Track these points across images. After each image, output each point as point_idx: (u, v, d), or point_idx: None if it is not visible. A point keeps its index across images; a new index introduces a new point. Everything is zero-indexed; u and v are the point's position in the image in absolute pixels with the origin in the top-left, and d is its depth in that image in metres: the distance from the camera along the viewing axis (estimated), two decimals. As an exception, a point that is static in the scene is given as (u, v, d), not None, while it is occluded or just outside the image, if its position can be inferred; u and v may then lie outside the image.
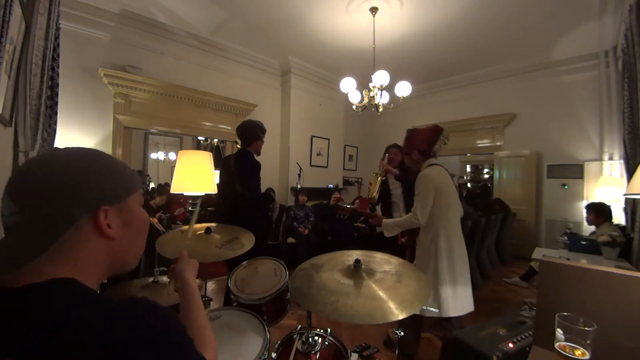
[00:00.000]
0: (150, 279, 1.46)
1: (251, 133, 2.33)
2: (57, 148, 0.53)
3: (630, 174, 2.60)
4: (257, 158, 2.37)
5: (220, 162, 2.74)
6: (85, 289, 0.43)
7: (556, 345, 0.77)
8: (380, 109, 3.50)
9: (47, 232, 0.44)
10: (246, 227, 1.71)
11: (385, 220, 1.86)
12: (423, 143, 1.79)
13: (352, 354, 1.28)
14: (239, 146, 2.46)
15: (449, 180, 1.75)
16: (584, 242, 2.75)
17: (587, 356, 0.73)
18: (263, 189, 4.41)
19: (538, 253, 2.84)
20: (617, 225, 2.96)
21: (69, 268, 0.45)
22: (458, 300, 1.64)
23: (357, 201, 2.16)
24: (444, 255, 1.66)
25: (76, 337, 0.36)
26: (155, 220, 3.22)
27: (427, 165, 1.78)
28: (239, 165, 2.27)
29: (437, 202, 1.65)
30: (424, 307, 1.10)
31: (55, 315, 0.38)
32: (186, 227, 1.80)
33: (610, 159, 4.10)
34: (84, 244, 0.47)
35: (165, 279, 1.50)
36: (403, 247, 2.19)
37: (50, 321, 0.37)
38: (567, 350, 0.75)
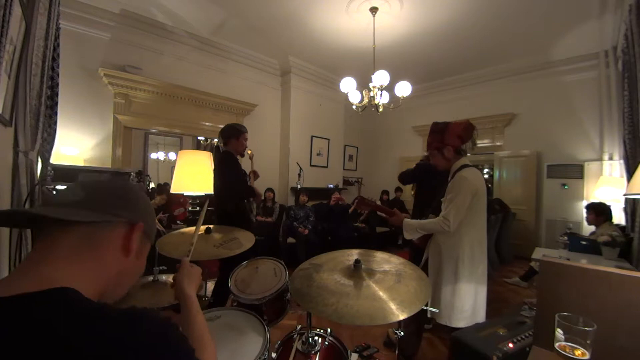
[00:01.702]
0: (150, 278, 1.46)
1: (226, 133, 2.45)
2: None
3: (630, 174, 2.60)
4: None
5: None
6: (85, 299, 0.44)
7: (556, 345, 0.77)
8: (380, 109, 3.50)
9: (99, 212, 0.51)
10: (224, 223, 1.82)
11: (407, 221, 1.70)
12: (457, 139, 1.61)
13: (352, 354, 1.28)
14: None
15: (484, 186, 1.61)
16: (584, 242, 2.75)
17: (587, 356, 0.73)
18: (262, 189, 4.40)
19: (538, 253, 2.84)
20: (617, 225, 2.96)
21: (82, 269, 0.48)
22: (474, 310, 1.57)
23: (356, 201, 2.08)
24: (466, 265, 1.54)
25: (73, 349, 0.36)
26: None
27: (460, 165, 1.61)
28: (217, 165, 2.44)
29: (469, 208, 1.53)
30: (425, 307, 1.06)
31: (56, 324, 0.38)
32: (186, 229, 1.80)
33: (610, 159, 4.10)
34: (107, 246, 0.52)
35: (164, 277, 1.50)
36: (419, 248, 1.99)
37: (50, 330, 0.37)
38: (567, 350, 0.75)
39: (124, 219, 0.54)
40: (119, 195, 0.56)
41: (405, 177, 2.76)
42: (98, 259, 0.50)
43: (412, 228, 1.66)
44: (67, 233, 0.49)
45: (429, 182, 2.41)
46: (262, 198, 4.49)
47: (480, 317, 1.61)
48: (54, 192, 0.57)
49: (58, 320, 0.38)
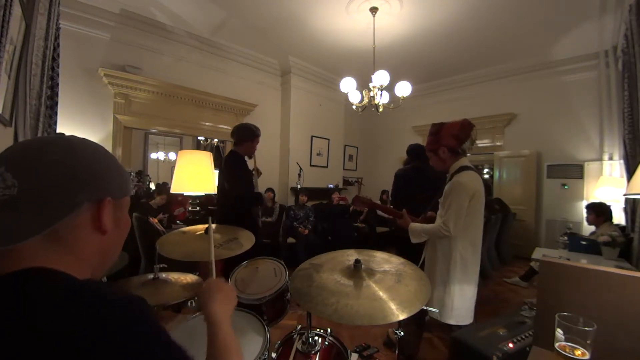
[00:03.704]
0: (150, 276, 1.46)
1: (241, 134, 2.40)
2: (65, 134, 0.50)
3: (630, 174, 2.60)
4: (260, 160, 2.42)
5: (219, 162, 2.77)
6: (67, 278, 0.40)
7: (556, 345, 0.77)
8: (380, 109, 3.50)
9: (50, 213, 0.41)
10: (231, 224, 1.80)
11: (413, 225, 1.70)
12: (452, 139, 1.58)
13: (352, 354, 1.28)
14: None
15: (482, 187, 1.59)
16: (584, 242, 2.75)
17: (587, 356, 0.73)
18: (262, 189, 4.41)
19: (538, 253, 2.84)
20: (617, 225, 2.96)
21: (59, 259, 0.42)
22: (461, 310, 1.60)
23: (353, 202, 2.06)
24: (458, 266, 1.56)
25: (37, 338, 0.33)
26: (155, 221, 3.22)
27: (459, 167, 1.59)
28: (226, 166, 2.38)
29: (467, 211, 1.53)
30: (425, 307, 1.06)
31: (31, 305, 0.35)
32: (186, 228, 1.80)
33: (610, 159, 4.10)
34: (77, 234, 0.45)
35: (164, 275, 1.50)
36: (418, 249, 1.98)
37: (23, 309, 0.34)
38: (567, 350, 0.75)
39: (84, 202, 0.44)
40: (66, 173, 0.43)
41: (395, 196, 2.74)
42: (72, 248, 0.44)
43: (417, 232, 1.67)
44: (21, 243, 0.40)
45: (414, 188, 2.43)
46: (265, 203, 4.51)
47: (469, 316, 1.63)
48: None
49: (37, 298, 0.35)
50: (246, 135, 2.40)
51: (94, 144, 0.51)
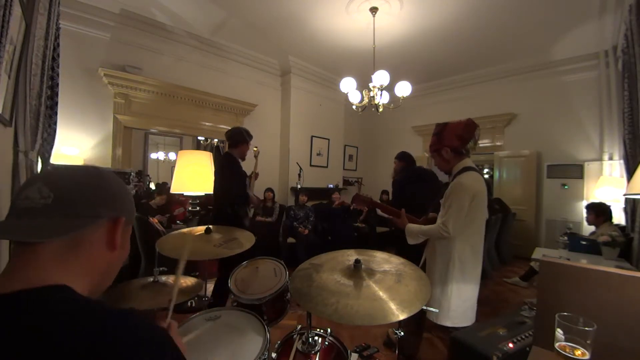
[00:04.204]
0: (150, 279, 1.46)
1: (237, 137, 2.50)
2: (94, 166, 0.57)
3: (630, 174, 2.60)
4: (260, 160, 2.48)
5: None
6: (80, 296, 0.44)
7: (556, 345, 0.77)
8: (380, 109, 3.50)
9: (76, 220, 0.47)
10: (220, 223, 1.88)
11: (410, 225, 1.69)
12: (455, 139, 1.57)
13: (352, 354, 1.28)
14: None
15: (484, 189, 1.57)
16: (584, 242, 2.75)
17: (587, 356, 0.73)
18: (262, 189, 4.42)
19: (538, 253, 2.84)
20: (617, 225, 2.95)
21: (69, 270, 0.47)
22: (458, 312, 1.58)
23: (353, 201, 2.06)
24: (456, 268, 1.55)
25: (74, 342, 0.36)
26: (155, 221, 3.22)
27: (462, 167, 1.57)
28: (220, 167, 2.49)
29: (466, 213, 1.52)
30: (425, 307, 1.06)
31: (52, 319, 0.38)
32: (186, 229, 1.80)
33: (610, 159, 4.10)
34: (92, 247, 0.50)
35: (164, 278, 1.50)
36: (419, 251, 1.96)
37: (46, 326, 0.37)
38: (567, 350, 0.75)
39: (104, 217, 0.50)
40: (92, 191, 0.50)
41: (394, 202, 2.77)
42: (84, 260, 0.49)
43: (414, 234, 1.66)
44: (47, 244, 0.46)
45: (415, 192, 2.50)
46: (262, 198, 4.50)
47: (469, 318, 1.60)
48: (20, 194, 0.48)
49: (51, 317, 0.39)
50: (242, 139, 2.51)
51: (117, 176, 0.58)
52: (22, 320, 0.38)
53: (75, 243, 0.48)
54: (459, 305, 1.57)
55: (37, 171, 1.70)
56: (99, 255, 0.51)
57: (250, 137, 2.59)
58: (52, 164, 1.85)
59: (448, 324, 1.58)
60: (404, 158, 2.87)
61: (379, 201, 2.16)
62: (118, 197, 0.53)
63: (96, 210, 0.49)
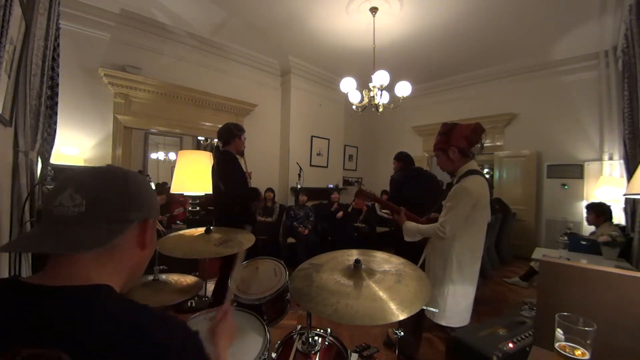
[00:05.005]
0: (150, 277, 1.47)
1: (227, 134, 2.42)
2: (114, 166, 0.59)
3: (630, 174, 2.60)
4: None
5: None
6: (123, 296, 0.49)
7: (556, 345, 0.77)
8: (380, 109, 3.50)
9: (112, 228, 0.50)
10: (230, 223, 1.83)
11: (408, 223, 1.71)
12: (463, 141, 1.58)
13: (352, 354, 1.28)
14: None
15: (487, 193, 1.57)
16: (584, 242, 2.75)
17: (587, 356, 0.73)
18: (262, 189, 4.40)
19: (538, 253, 2.83)
20: (617, 225, 2.95)
21: (106, 271, 0.50)
22: (453, 312, 1.60)
23: (355, 199, 2.07)
24: (454, 269, 1.56)
25: (123, 336, 0.40)
26: (155, 221, 3.21)
27: (467, 170, 1.58)
28: (219, 165, 2.38)
29: (467, 217, 1.52)
30: (425, 307, 1.06)
31: (104, 315, 0.42)
32: (186, 230, 1.80)
33: (610, 159, 4.10)
34: (125, 248, 0.53)
35: (164, 277, 1.50)
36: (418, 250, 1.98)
37: (98, 320, 0.41)
38: (567, 350, 0.75)
39: (135, 221, 0.53)
40: (122, 196, 0.52)
41: (393, 197, 2.81)
42: (119, 261, 0.52)
43: (412, 232, 1.68)
44: (82, 252, 0.49)
45: (413, 190, 2.56)
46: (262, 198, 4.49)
47: (464, 319, 1.62)
48: (53, 201, 0.49)
49: (102, 312, 0.42)
50: (234, 134, 2.42)
51: (139, 175, 0.60)
52: (75, 314, 0.41)
53: (111, 247, 0.50)
54: (455, 305, 1.59)
55: (37, 171, 1.70)
56: (131, 255, 0.54)
57: (241, 130, 2.47)
58: (58, 165, 1.85)
59: (443, 322, 1.60)
60: (402, 158, 2.92)
61: (380, 198, 2.18)
62: (145, 198, 0.55)
63: (128, 216, 0.52)
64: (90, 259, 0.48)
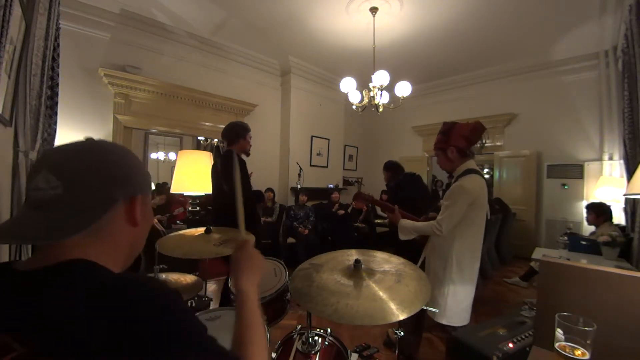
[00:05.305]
0: (151, 276, 1.46)
1: (233, 134, 2.35)
2: (95, 139, 0.54)
3: (630, 174, 2.60)
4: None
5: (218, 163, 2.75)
6: (108, 271, 0.45)
7: (556, 345, 0.77)
8: (380, 109, 3.50)
9: (93, 210, 0.46)
10: (232, 224, 1.76)
11: (403, 221, 1.72)
12: (462, 140, 1.57)
13: (352, 354, 1.28)
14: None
15: (485, 193, 1.57)
16: (584, 242, 2.75)
17: (587, 356, 0.73)
18: (263, 189, 4.40)
19: (538, 253, 2.83)
20: (617, 225, 2.95)
21: (93, 251, 0.47)
22: (453, 311, 1.60)
23: (354, 201, 2.08)
24: (454, 268, 1.57)
25: (82, 319, 0.37)
26: (155, 220, 3.22)
27: (465, 169, 1.58)
28: (223, 166, 2.31)
29: (464, 217, 1.53)
30: (425, 307, 1.06)
31: (70, 295, 0.39)
32: (186, 230, 1.80)
33: (610, 159, 4.10)
34: (113, 228, 0.49)
35: (164, 276, 1.50)
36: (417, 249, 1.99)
37: (63, 301, 0.38)
38: (567, 350, 0.75)
39: (119, 198, 0.49)
40: (102, 173, 0.47)
41: (390, 197, 2.82)
42: (108, 240, 0.49)
43: (407, 230, 1.69)
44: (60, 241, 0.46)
45: (413, 193, 2.62)
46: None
47: (464, 318, 1.62)
48: (29, 184, 0.46)
49: (76, 288, 0.40)
50: (239, 133, 2.35)
51: (122, 148, 0.55)
52: (50, 292, 0.38)
53: (96, 228, 0.46)
54: (455, 304, 1.59)
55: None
56: (122, 233, 0.51)
57: (246, 130, 2.38)
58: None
59: (444, 321, 1.61)
60: (391, 167, 2.96)
61: (378, 199, 2.19)
62: (129, 173, 0.51)
63: (110, 194, 0.48)
64: (74, 241, 0.45)
